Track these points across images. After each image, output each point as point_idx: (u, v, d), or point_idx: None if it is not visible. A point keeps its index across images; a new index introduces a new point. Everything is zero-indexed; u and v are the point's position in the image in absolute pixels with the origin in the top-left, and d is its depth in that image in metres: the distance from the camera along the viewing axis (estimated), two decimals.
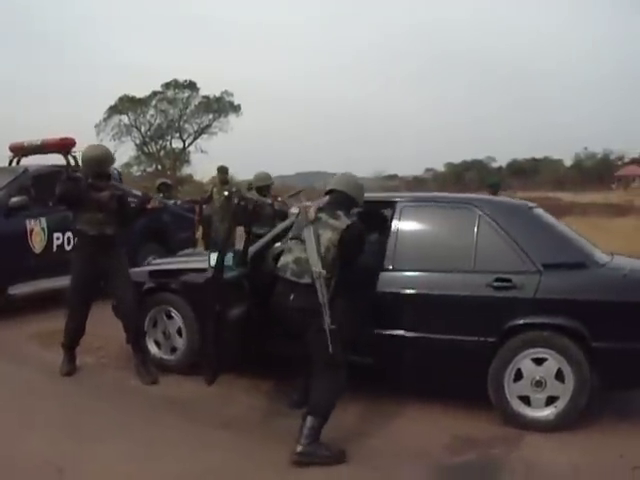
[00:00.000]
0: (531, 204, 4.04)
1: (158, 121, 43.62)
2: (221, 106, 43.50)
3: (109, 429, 3.50)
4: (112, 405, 3.87)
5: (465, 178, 62.34)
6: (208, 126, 43.96)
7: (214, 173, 9.57)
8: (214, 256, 3.98)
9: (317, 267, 3.26)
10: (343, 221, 3.37)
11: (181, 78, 43.49)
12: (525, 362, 3.49)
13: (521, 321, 3.47)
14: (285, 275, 3.40)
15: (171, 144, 44.28)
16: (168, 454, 3.23)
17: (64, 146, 6.60)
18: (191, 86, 43.53)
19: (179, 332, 4.47)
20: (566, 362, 3.41)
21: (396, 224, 3.87)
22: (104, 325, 4.79)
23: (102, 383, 4.32)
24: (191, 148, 44.00)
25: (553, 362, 3.44)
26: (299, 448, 3.07)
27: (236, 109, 43.57)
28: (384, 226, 3.97)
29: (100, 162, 4.28)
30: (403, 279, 3.76)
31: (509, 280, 3.50)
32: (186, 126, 44.09)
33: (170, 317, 4.51)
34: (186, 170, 41.77)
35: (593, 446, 3.31)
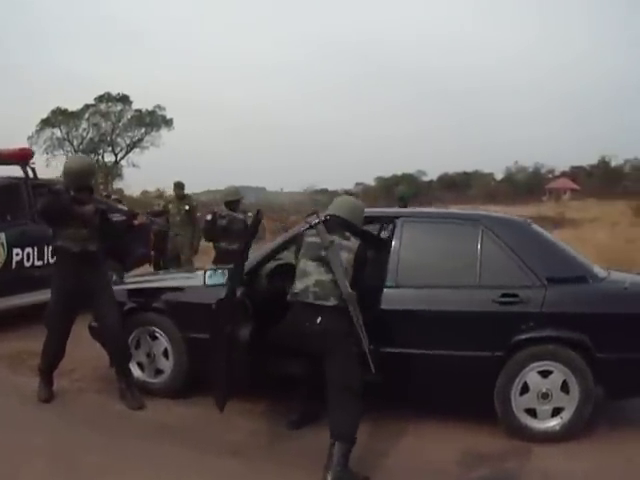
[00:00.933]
0: (529, 220, 4.13)
1: (90, 135, 43.78)
2: (153, 120, 43.95)
3: (108, 463, 3.26)
4: (103, 434, 3.62)
5: (396, 192, 63.67)
6: (140, 140, 44.27)
7: (145, 187, 9.40)
8: (210, 274, 3.87)
9: (347, 288, 3.23)
10: (354, 242, 3.45)
11: (114, 91, 43.63)
12: (531, 375, 3.54)
13: (528, 335, 3.52)
14: (307, 299, 3.34)
15: (103, 158, 44.12)
16: None
17: (23, 157, 6.22)
18: (124, 99, 43.61)
19: (165, 354, 4.26)
20: (571, 374, 3.48)
21: (398, 240, 3.85)
22: (74, 345, 4.43)
23: (85, 409, 4.06)
24: (123, 162, 44.19)
25: (558, 374, 3.50)
26: (330, 476, 2.98)
27: (168, 123, 44.11)
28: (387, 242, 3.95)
29: (83, 175, 4.05)
30: (408, 296, 3.74)
31: (516, 295, 3.55)
32: (118, 140, 44.25)
33: (154, 338, 4.29)
34: (118, 184, 41.33)
35: (600, 453, 3.39)
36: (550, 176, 67.45)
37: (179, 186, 7.64)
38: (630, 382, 3.56)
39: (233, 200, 6.46)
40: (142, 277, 5.46)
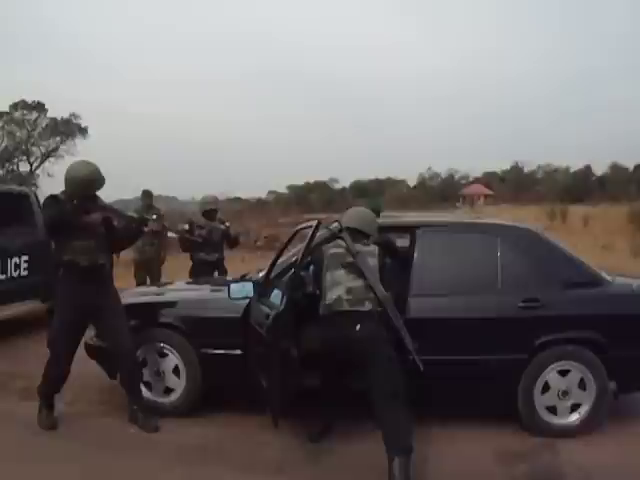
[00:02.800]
0: (540, 228, 4.37)
1: (5, 143, 41.90)
2: (69, 128, 42.52)
3: None
4: (131, 461, 3.44)
5: (309, 200, 64.12)
6: (55, 149, 42.85)
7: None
8: (236, 287, 3.76)
9: (382, 291, 3.30)
10: (373, 247, 3.58)
11: (29, 98, 42.02)
12: (552, 375, 3.76)
13: (549, 337, 3.72)
14: (342, 308, 3.36)
15: (18, 167, 42.37)
16: None
17: None
18: (39, 107, 41.98)
19: (175, 371, 4.11)
20: (588, 371, 3.74)
21: (420, 250, 3.95)
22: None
23: (98, 435, 3.82)
24: (38, 171, 42.62)
25: (576, 372, 3.75)
26: None
27: (83, 132, 42.86)
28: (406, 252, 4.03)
29: (90, 183, 3.75)
30: (433, 304, 3.84)
31: (537, 300, 3.74)
32: (33, 149, 42.69)
33: (163, 355, 4.12)
34: None
35: (620, 444, 3.65)
36: (464, 182, 70.18)
37: (147, 195, 7.32)
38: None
39: (210, 209, 6.31)
40: (141, 290, 5.18)
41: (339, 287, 3.42)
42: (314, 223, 3.54)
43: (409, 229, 4.15)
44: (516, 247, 3.92)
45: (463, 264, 3.96)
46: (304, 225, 4.62)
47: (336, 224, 3.69)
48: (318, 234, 3.60)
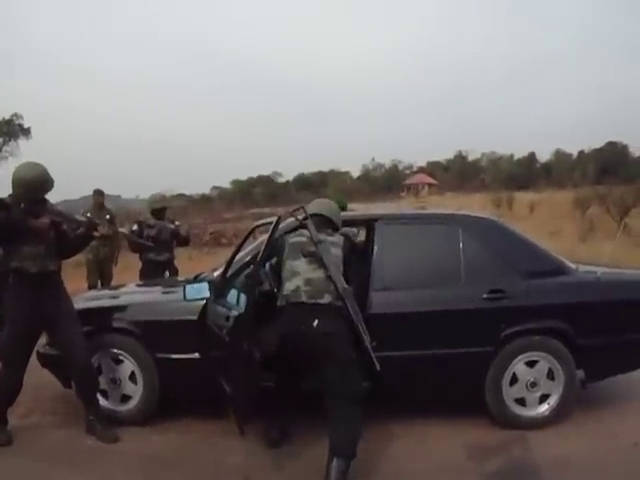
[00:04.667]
0: (499, 217, 4.31)
1: None
2: (11, 129, 41.13)
3: None
4: (93, 475, 3.26)
5: (253, 194, 63.82)
6: None
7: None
8: (191, 287, 3.58)
9: (343, 283, 3.18)
10: (338, 237, 3.46)
11: None
12: (519, 366, 3.72)
13: (516, 328, 3.67)
14: (300, 299, 3.22)
15: None
16: None
17: None
18: None
19: (132, 378, 3.91)
20: (556, 361, 3.71)
21: (380, 243, 3.84)
22: None
23: (56, 448, 3.61)
24: None
25: (544, 363, 3.71)
26: None
27: (26, 132, 41.45)
28: (366, 245, 3.92)
29: (38, 186, 3.53)
30: (397, 298, 3.74)
31: (502, 291, 3.69)
32: None
33: (119, 362, 3.92)
34: None
35: (589, 433, 3.64)
36: (408, 172, 70.82)
37: (99, 193, 7.02)
38: (607, 364, 3.86)
39: (160, 208, 6.08)
40: (93, 294, 4.91)
41: (298, 278, 3.28)
42: (274, 219, 3.40)
43: (367, 222, 4.04)
44: (478, 237, 3.85)
45: (425, 256, 3.87)
46: (261, 222, 4.48)
47: (300, 211, 3.54)
48: (279, 228, 3.47)
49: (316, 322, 3.14)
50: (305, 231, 3.45)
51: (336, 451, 2.98)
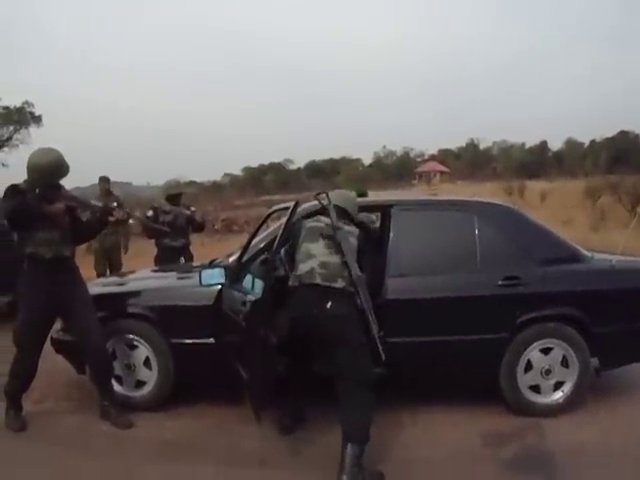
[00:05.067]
0: (514, 204, 4.28)
1: None
2: (22, 117, 40.58)
3: None
4: (107, 460, 3.27)
5: (264, 181, 63.76)
6: (9, 138, 40.86)
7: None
8: (207, 273, 3.59)
9: (357, 270, 3.18)
10: (354, 228, 3.46)
11: None
12: (534, 353, 3.70)
13: (531, 315, 3.66)
14: (314, 281, 3.23)
15: None
16: None
17: None
18: None
19: (147, 363, 3.93)
20: (571, 349, 3.69)
21: (396, 229, 3.83)
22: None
23: (71, 434, 3.62)
24: None
25: (559, 350, 3.70)
26: (344, 478, 2.89)
27: (37, 120, 40.97)
28: (382, 231, 3.91)
29: (54, 171, 3.52)
30: (412, 284, 3.73)
31: (517, 277, 3.67)
32: None
33: (133, 347, 3.94)
34: None
35: (603, 420, 3.63)
36: (419, 160, 70.38)
37: (105, 180, 7.02)
38: (622, 352, 3.84)
39: (176, 194, 6.09)
40: (106, 280, 4.94)
41: (313, 260, 3.28)
42: (291, 204, 3.38)
43: (383, 208, 4.02)
44: (494, 224, 3.83)
45: (440, 243, 3.86)
46: (277, 207, 4.47)
47: (324, 196, 3.52)
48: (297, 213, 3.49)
49: (329, 304, 3.15)
50: (323, 217, 3.46)
51: (350, 438, 2.98)
